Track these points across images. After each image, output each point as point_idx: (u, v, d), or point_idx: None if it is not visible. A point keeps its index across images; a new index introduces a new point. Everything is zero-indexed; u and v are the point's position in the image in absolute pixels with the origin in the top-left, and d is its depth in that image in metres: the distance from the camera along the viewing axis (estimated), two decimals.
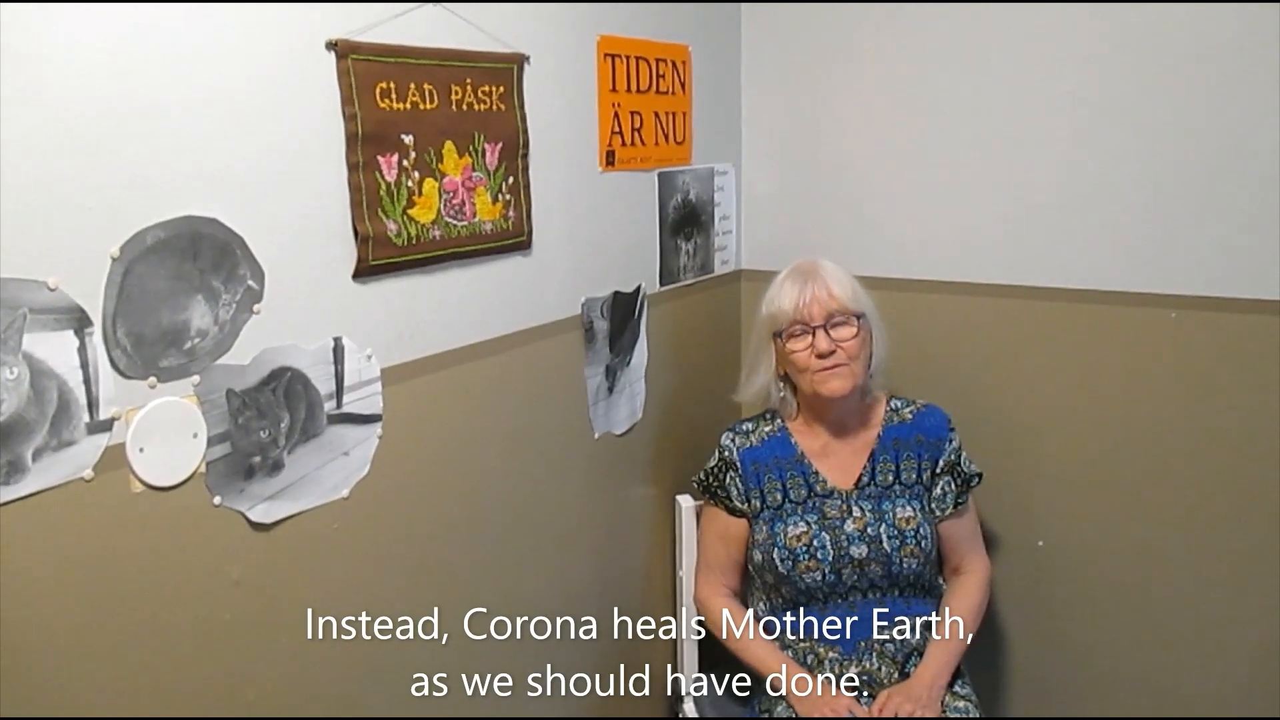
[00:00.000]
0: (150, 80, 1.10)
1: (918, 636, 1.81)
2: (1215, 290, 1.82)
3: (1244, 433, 1.84)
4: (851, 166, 2.12)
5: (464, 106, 1.48)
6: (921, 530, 1.82)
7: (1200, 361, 1.86)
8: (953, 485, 1.89)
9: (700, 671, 2.04)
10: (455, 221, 1.48)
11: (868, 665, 1.78)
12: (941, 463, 1.88)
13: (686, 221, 2.05)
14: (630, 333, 1.90)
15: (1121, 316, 1.91)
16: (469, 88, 1.49)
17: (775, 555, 1.81)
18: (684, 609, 2.03)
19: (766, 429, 1.92)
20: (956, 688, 1.79)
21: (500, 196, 1.56)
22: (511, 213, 1.59)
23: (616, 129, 1.83)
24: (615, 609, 1.98)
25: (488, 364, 1.59)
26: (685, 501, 2.02)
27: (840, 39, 2.08)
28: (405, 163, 1.39)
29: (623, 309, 1.87)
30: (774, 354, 1.88)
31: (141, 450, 1.12)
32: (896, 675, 1.78)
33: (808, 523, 1.82)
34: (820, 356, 1.79)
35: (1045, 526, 2.06)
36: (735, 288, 2.26)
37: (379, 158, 1.36)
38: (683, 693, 2.04)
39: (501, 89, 1.55)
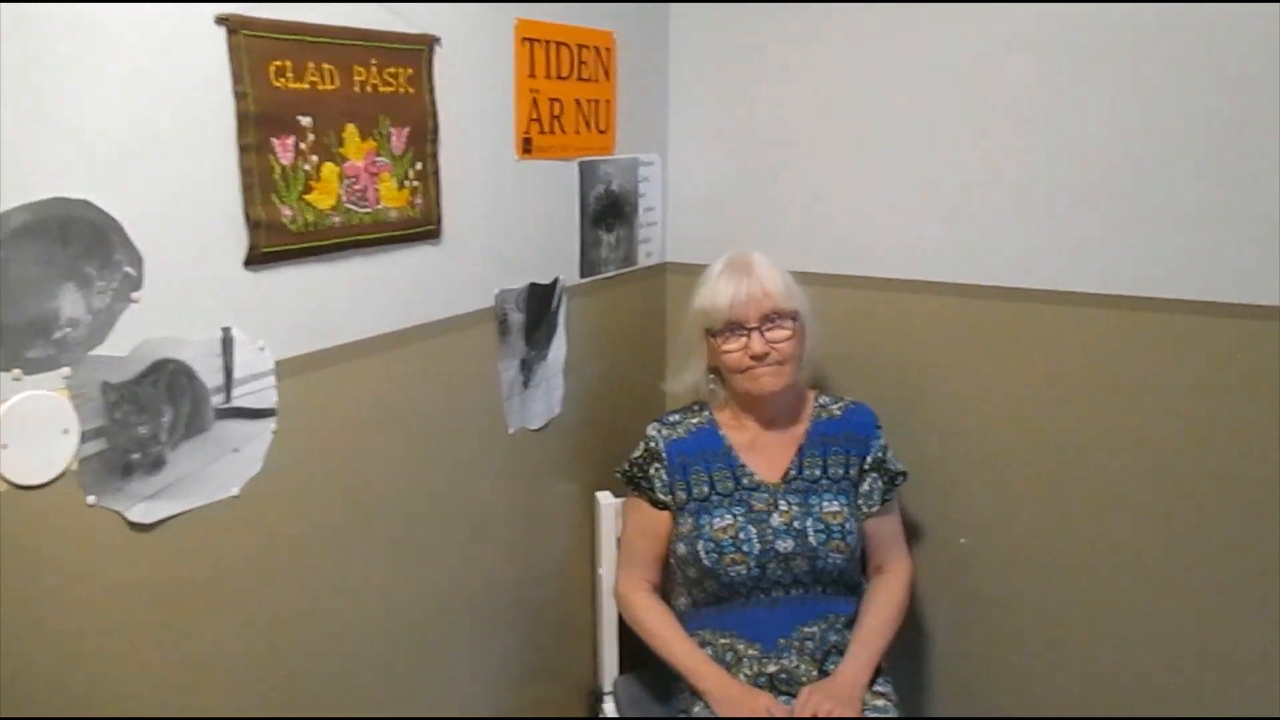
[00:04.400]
0: (17, 52, 1.02)
1: (838, 634, 1.79)
2: (1144, 290, 1.81)
3: (1168, 430, 1.84)
4: (781, 160, 2.09)
5: (368, 88, 1.42)
6: (848, 525, 1.79)
7: (1127, 361, 1.85)
8: (879, 482, 1.87)
9: (622, 670, 2.01)
10: (357, 208, 1.42)
11: (787, 663, 1.75)
12: (868, 460, 1.86)
13: (609, 213, 2.01)
14: (547, 326, 1.85)
15: (1046, 315, 1.89)
16: (374, 69, 1.42)
17: (700, 547, 1.77)
18: (603, 607, 1.98)
19: (694, 421, 1.88)
20: (877, 686, 1.77)
21: (407, 183, 1.50)
22: (419, 200, 1.53)
23: (535, 116, 1.77)
24: (533, 608, 1.95)
25: (394, 357, 1.53)
26: (605, 498, 1.98)
27: (773, 29, 2.04)
28: (303, 145, 1.33)
29: (539, 301, 1.82)
30: (705, 349, 1.84)
31: (6, 447, 1.05)
32: (816, 673, 1.75)
33: (734, 515, 1.79)
34: (754, 358, 1.77)
35: (967, 523, 2.04)
36: (660, 281, 2.22)
37: (273, 139, 1.29)
38: (603, 691, 2.00)
39: (410, 71, 1.49)
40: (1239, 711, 1.86)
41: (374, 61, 1.42)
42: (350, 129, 1.40)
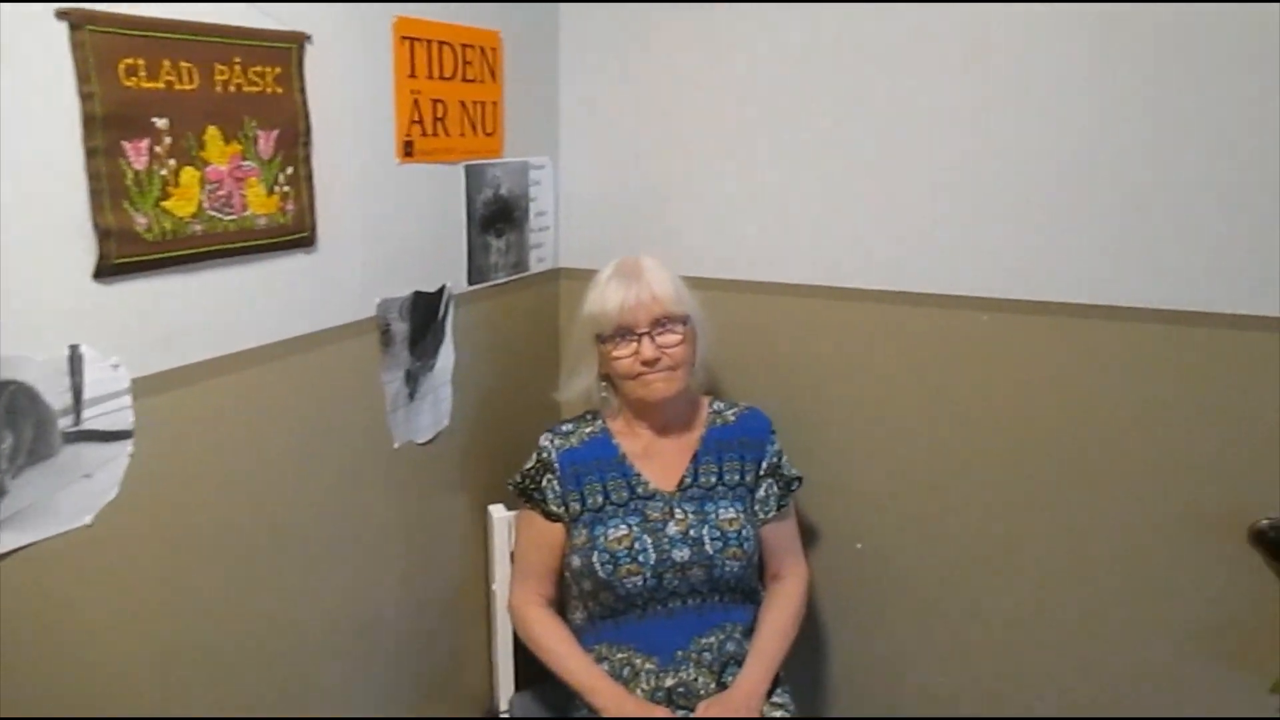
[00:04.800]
0: None
1: (736, 644, 1.76)
2: (1028, 294, 1.83)
3: (1057, 432, 1.86)
4: (676, 163, 2.05)
5: (231, 88, 1.34)
6: (744, 532, 1.77)
7: (1012, 363, 1.86)
8: (775, 488, 1.85)
9: (519, 687, 1.95)
10: (221, 215, 1.34)
11: (685, 676, 1.72)
12: (764, 465, 1.84)
13: (498, 217, 1.95)
14: (434, 335, 1.79)
15: (936, 319, 1.90)
16: (238, 68, 1.35)
17: (595, 559, 1.73)
18: (499, 624, 1.93)
19: (587, 430, 1.84)
20: (775, 697, 1.75)
21: (277, 189, 1.42)
22: (291, 206, 1.45)
23: (416, 118, 1.71)
24: (426, 626, 1.89)
25: (266, 371, 1.45)
26: (498, 511, 1.92)
27: (665, 28, 2.01)
28: (158, 149, 1.24)
29: (424, 310, 1.76)
30: (596, 356, 1.80)
31: None
32: (714, 685, 1.72)
33: (629, 525, 1.75)
34: (645, 364, 1.73)
35: (864, 528, 2.04)
36: (553, 287, 2.17)
37: (124, 143, 1.20)
38: (499, 711, 1.94)
39: (278, 70, 1.41)
40: (1142, 712, 1.90)
41: (238, 60, 1.35)
42: (212, 131, 1.32)
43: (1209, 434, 1.77)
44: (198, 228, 1.31)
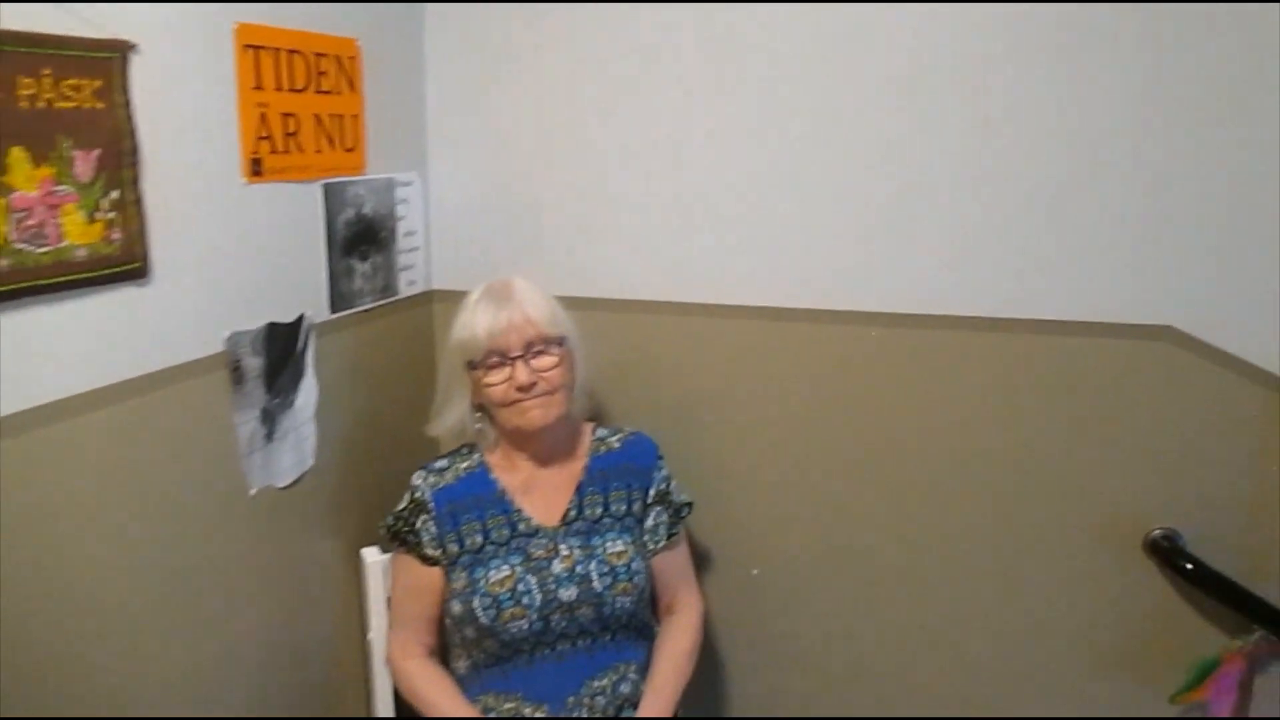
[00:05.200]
0: None
1: (630, 685, 1.67)
2: (918, 308, 1.79)
3: (952, 446, 1.83)
4: (554, 176, 1.95)
5: (40, 104, 1.19)
6: (634, 565, 1.68)
7: (904, 378, 1.82)
8: (664, 516, 1.76)
9: None
10: (32, 248, 1.18)
11: None
12: (652, 493, 1.75)
13: (362, 239, 1.82)
14: (293, 369, 1.65)
15: (824, 334, 1.84)
16: (47, 81, 1.19)
17: (476, 604, 1.61)
18: (376, 676, 1.79)
19: (463, 465, 1.72)
20: None
21: (100, 215, 1.27)
22: (118, 234, 1.30)
23: (265, 134, 1.57)
24: (298, 681, 1.74)
25: (95, 419, 1.29)
26: (371, 555, 1.79)
27: (537, 33, 1.90)
28: None
29: (281, 343, 1.61)
30: (468, 385, 1.69)
31: None
32: None
33: (511, 566, 1.64)
34: (520, 390, 1.62)
35: (759, 553, 1.97)
36: (426, 310, 2.05)
37: None
38: None
39: (98, 84, 1.26)
40: None
41: (47, 72, 1.19)
42: (17, 153, 1.17)
43: (1103, 445, 1.77)
44: (3, 263, 1.15)
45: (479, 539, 1.66)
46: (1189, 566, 1.72)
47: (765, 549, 1.96)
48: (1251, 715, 1.76)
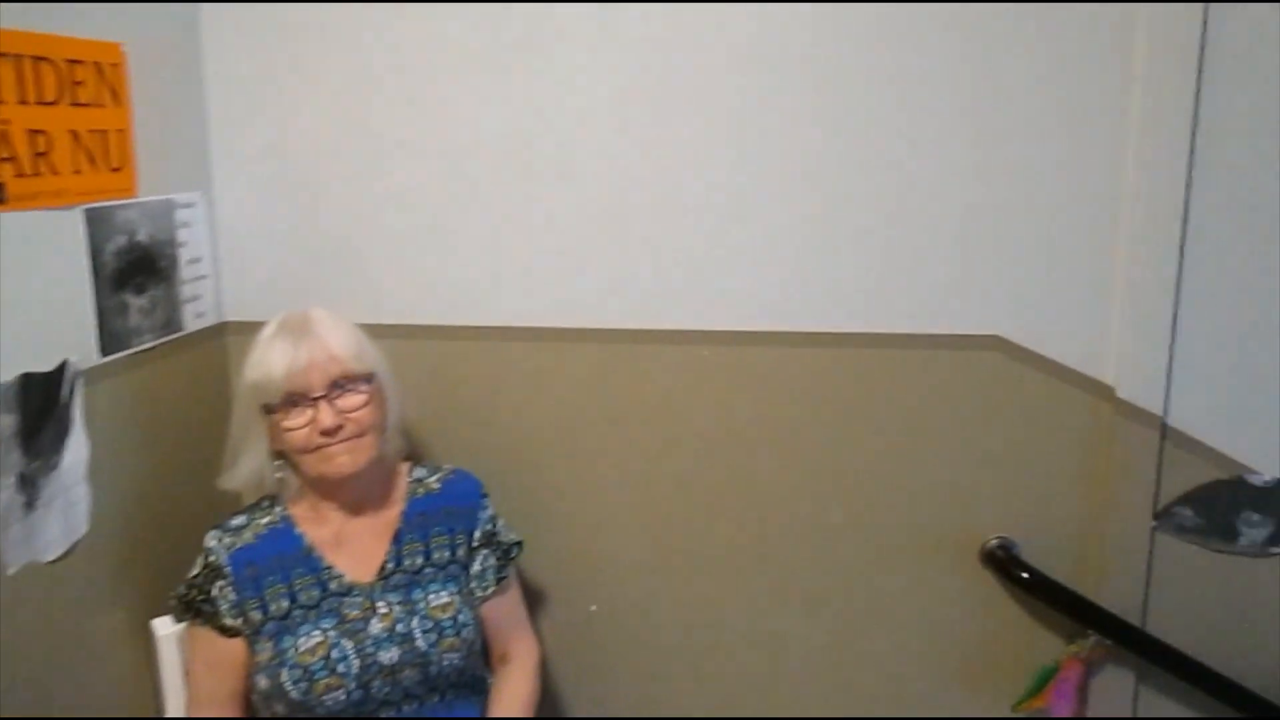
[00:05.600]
0: None
1: None
2: (749, 325, 1.73)
3: (789, 464, 1.78)
4: (354, 192, 1.78)
5: None
6: (461, 617, 1.55)
7: (738, 397, 1.76)
8: (492, 559, 1.64)
9: None
10: None
11: None
12: (477, 535, 1.62)
13: (137, 270, 1.61)
14: (56, 425, 1.43)
15: (654, 355, 1.75)
16: None
17: (286, 677, 1.45)
18: None
19: (263, 521, 1.55)
20: None
21: None
22: None
23: (9, 155, 1.35)
24: None
25: None
26: (163, 627, 1.58)
27: (331, 35, 1.73)
28: None
29: (39, 395, 1.40)
30: (265, 430, 1.52)
31: None
32: None
33: (324, 631, 1.48)
34: (325, 434, 1.46)
35: (596, 588, 1.86)
36: (218, 345, 1.83)
37: None
38: None
39: None
40: None
41: None
42: None
43: (938, 457, 1.76)
44: None
45: (285, 603, 1.49)
46: (1025, 575, 1.72)
47: (603, 583, 1.86)
48: (1089, 718, 1.78)
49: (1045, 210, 1.65)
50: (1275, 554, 1.71)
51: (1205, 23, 1.55)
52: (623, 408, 1.79)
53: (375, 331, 1.59)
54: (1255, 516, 1.71)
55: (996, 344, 1.69)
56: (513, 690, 1.63)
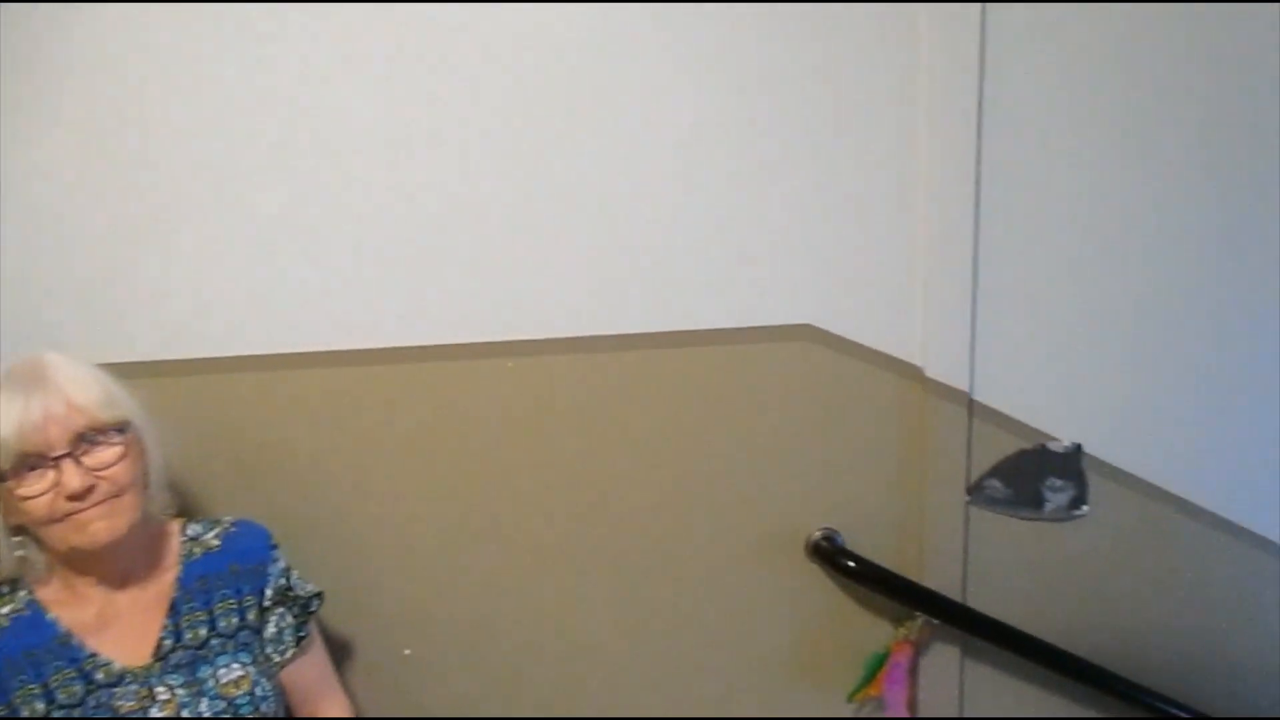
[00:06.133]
0: None
1: None
2: (551, 332, 1.61)
3: (606, 472, 1.67)
4: (90, 210, 1.50)
5: None
6: (258, 691, 1.35)
7: (546, 408, 1.63)
8: (288, 618, 1.44)
9: None
10: None
11: None
12: (269, 593, 1.43)
13: None
14: None
15: (453, 373, 1.60)
16: None
17: None
18: None
19: (4, 611, 1.29)
20: None
21: None
22: None
23: None
24: None
25: None
26: None
27: (53, 38, 1.47)
28: None
29: None
30: None
31: None
32: None
33: None
34: (73, 498, 1.23)
35: (410, 630, 1.69)
36: None
37: None
38: None
39: None
40: None
41: None
42: None
43: (756, 451, 1.71)
44: None
45: (40, 705, 1.25)
46: (851, 564, 1.70)
47: (415, 622, 1.69)
48: (921, 699, 1.78)
49: (847, 200, 1.64)
50: (1078, 516, 1.77)
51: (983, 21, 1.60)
52: (424, 432, 1.62)
53: (126, 372, 1.36)
54: (1058, 482, 1.75)
55: (807, 333, 1.66)
56: None
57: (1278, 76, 1.69)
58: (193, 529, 1.43)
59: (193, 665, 1.34)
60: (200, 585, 1.38)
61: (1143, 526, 1.79)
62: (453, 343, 1.59)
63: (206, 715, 1.31)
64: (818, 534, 1.72)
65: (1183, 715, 1.78)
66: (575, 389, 1.63)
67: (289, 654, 1.44)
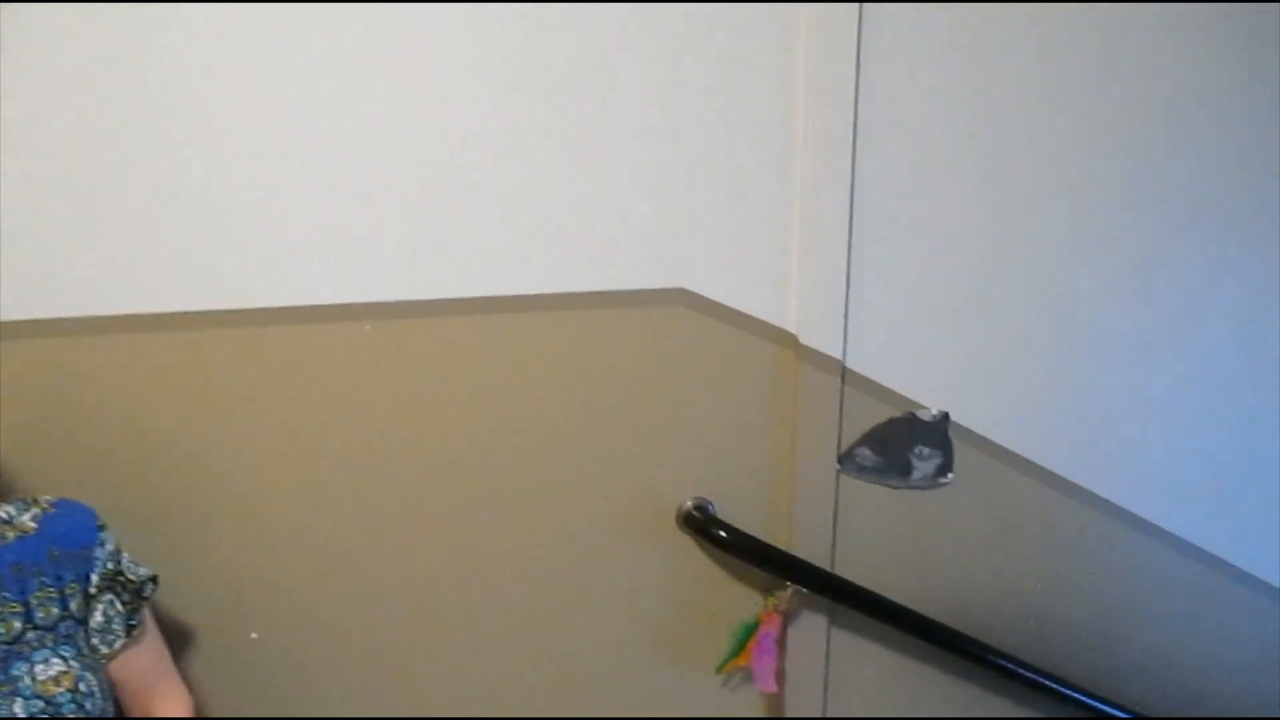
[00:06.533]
0: None
1: None
2: (411, 294, 1.50)
3: (472, 441, 1.58)
4: None
5: None
6: (84, 686, 1.22)
7: (408, 374, 1.53)
8: (119, 605, 1.31)
9: None
10: None
11: None
12: (95, 579, 1.28)
13: None
14: None
15: (303, 336, 1.48)
16: None
17: None
18: None
19: None
20: None
21: None
22: None
23: None
24: None
25: None
26: None
27: None
28: None
29: None
30: None
31: None
32: None
33: None
34: None
35: (257, 614, 1.57)
36: None
37: None
38: None
39: None
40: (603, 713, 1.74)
41: None
42: None
43: (628, 420, 1.65)
44: None
45: None
46: (723, 534, 1.67)
47: (261, 602, 1.57)
48: (788, 669, 1.77)
49: (723, 165, 1.59)
50: (944, 484, 1.78)
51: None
52: (272, 400, 1.49)
53: None
54: (926, 450, 1.76)
55: (681, 297, 1.60)
56: None
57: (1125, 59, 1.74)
58: (4, 510, 1.27)
59: (4, 662, 1.19)
60: (14, 573, 1.23)
61: (1006, 495, 1.83)
62: (304, 304, 1.46)
63: (22, 717, 1.17)
64: (690, 503, 1.68)
65: (1046, 682, 1.84)
66: (436, 354, 1.54)
67: (119, 645, 1.30)
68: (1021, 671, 1.83)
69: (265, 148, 1.42)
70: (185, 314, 1.44)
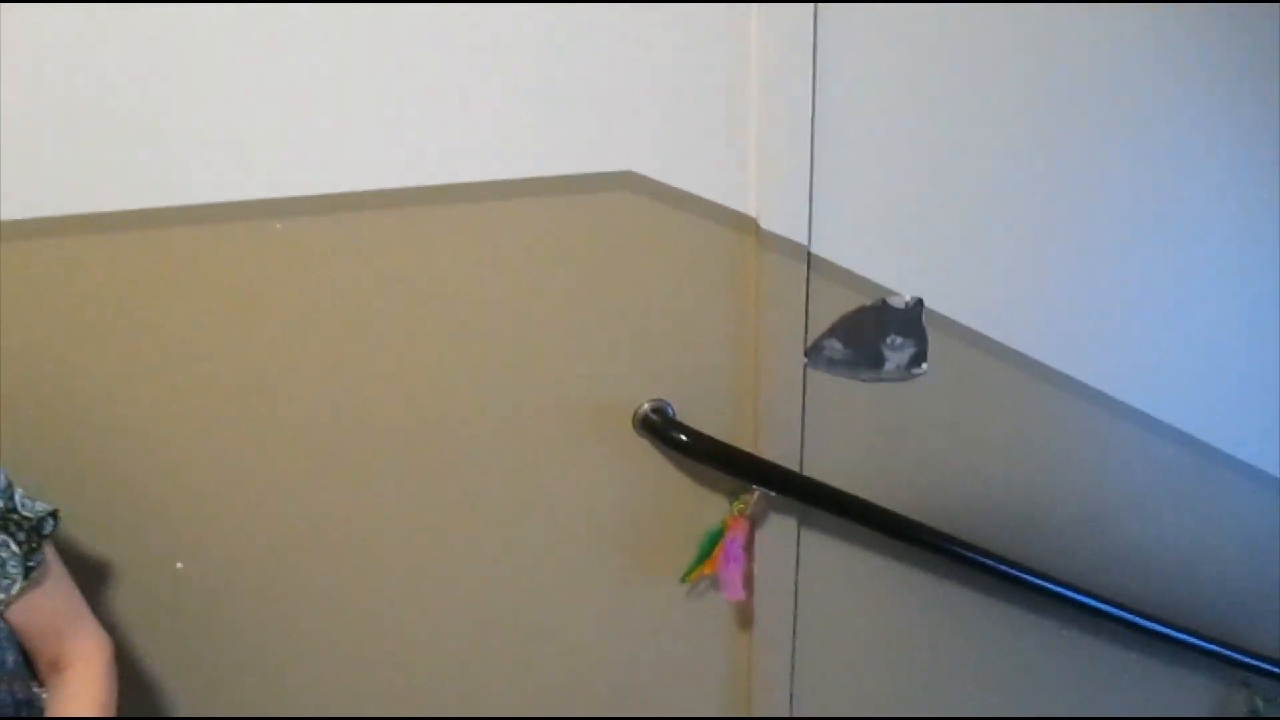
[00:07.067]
0: None
1: None
2: (330, 186, 1.34)
3: (410, 349, 1.44)
4: None
5: None
6: None
7: (334, 276, 1.38)
8: (14, 545, 1.18)
9: None
10: None
11: None
12: None
13: None
14: None
15: (207, 238, 1.32)
16: None
17: None
18: None
19: None
20: None
21: None
22: None
23: None
24: None
25: None
26: None
27: None
28: None
29: None
30: None
31: None
32: None
33: None
34: None
35: (180, 544, 1.44)
36: None
37: None
38: None
39: None
40: (567, 627, 1.64)
41: None
42: None
43: (578, 317, 1.51)
44: None
45: None
46: (682, 438, 1.55)
47: (186, 529, 1.44)
48: (756, 575, 1.68)
49: (673, 34, 1.42)
50: (917, 375, 1.67)
51: None
52: (176, 308, 1.34)
53: None
54: (898, 339, 1.64)
55: (630, 181, 1.45)
56: (76, 704, 1.22)
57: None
58: None
59: None
60: None
61: (984, 385, 1.72)
62: (202, 202, 1.30)
63: None
64: (646, 405, 1.55)
65: (1029, 578, 1.76)
66: (360, 252, 1.38)
67: (16, 589, 1.18)
68: (1004, 569, 1.75)
69: (181, 38, 1.24)
70: (72, 217, 1.27)
